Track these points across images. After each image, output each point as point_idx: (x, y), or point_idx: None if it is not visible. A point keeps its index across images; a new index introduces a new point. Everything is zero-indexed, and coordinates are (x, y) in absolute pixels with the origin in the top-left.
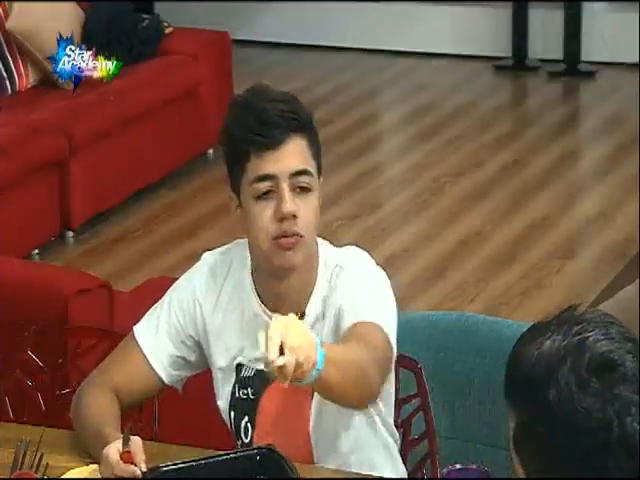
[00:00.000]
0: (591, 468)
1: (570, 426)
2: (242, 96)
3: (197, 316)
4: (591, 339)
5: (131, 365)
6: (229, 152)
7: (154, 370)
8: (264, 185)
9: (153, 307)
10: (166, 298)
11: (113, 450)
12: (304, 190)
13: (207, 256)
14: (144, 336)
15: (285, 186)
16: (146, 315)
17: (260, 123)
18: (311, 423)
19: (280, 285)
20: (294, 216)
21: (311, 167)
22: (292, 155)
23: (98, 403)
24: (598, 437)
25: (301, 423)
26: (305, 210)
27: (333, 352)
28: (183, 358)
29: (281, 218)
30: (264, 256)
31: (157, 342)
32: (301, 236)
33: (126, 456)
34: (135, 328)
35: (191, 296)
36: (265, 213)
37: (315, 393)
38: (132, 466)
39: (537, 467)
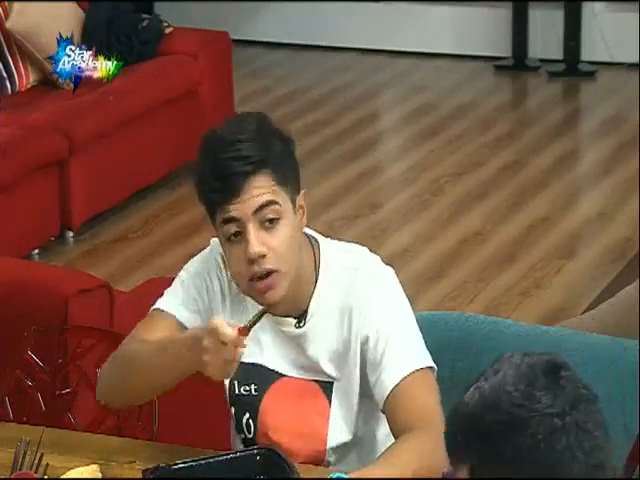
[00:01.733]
0: (548, 458)
1: (524, 425)
2: (206, 140)
3: (206, 299)
4: (525, 360)
5: (160, 328)
6: (200, 202)
7: (184, 326)
8: (231, 227)
9: (173, 283)
10: (182, 277)
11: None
12: (273, 221)
13: (216, 244)
14: (168, 303)
15: (250, 226)
16: (167, 290)
17: (216, 179)
18: (329, 430)
19: None
20: (262, 255)
21: (277, 196)
22: (253, 194)
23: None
24: (552, 424)
25: (315, 427)
26: (276, 243)
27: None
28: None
29: (249, 260)
30: (245, 293)
31: (182, 306)
32: (275, 271)
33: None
34: (156, 304)
35: (204, 279)
36: (237, 256)
37: (333, 400)
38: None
39: None
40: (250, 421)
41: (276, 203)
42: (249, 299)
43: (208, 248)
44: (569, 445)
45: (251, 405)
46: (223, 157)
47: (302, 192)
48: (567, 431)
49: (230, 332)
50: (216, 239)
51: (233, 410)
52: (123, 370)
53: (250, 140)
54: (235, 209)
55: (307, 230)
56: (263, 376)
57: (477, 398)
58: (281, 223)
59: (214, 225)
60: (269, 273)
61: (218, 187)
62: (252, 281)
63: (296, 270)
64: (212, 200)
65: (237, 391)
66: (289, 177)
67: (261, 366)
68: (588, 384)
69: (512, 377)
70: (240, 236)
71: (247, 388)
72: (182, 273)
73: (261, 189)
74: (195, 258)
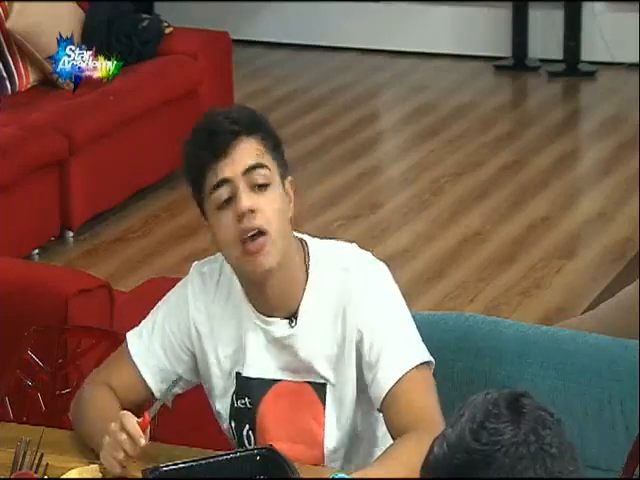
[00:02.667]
0: None
1: (492, 459)
2: (201, 116)
3: (191, 327)
4: (477, 401)
5: (125, 374)
6: (187, 172)
7: (145, 382)
8: (222, 192)
9: (146, 318)
10: (159, 310)
11: (129, 415)
12: (262, 187)
13: (197, 266)
14: (136, 347)
15: (241, 186)
16: (140, 325)
17: (207, 135)
18: (325, 434)
19: (265, 290)
20: (252, 211)
21: (266, 161)
22: (243, 154)
23: (101, 398)
24: (518, 453)
25: (311, 432)
26: (265, 204)
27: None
28: (175, 373)
29: (240, 216)
30: (237, 266)
31: (150, 354)
32: (265, 232)
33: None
34: (128, 337)
35: (184, 307)
36: (227, 219)
37: (327, 402)
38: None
39: None
40: (250, 433)
41: (266, 167)
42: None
43: (187, 277)
44: (537, 472)
45: (249, 417)
46: (216, 119)
47: (290, 178)
48: (533, 458)
49: (132, 424)
50: (196, 263)
51: (233, 424)
52: (76, 418)
53: (243, 114)
54: (226, 167)
55: (295, 232)
56: (256, 386)
57: (445, 444)
58: (270, 189)
59: (202, 204)
60: (260, 234)
61: (208, 144)
62: (243, 244)
63: (286, 270)
64: (202, 160)
65: (236, 405)
66: (278, 153)
67: (253, 378)
68: (550, 409)
69: (476, 415)
70: (230, 202)
71: (243, 401)
72: (159, 315)
73: (251, 150)
74: (174, 293)
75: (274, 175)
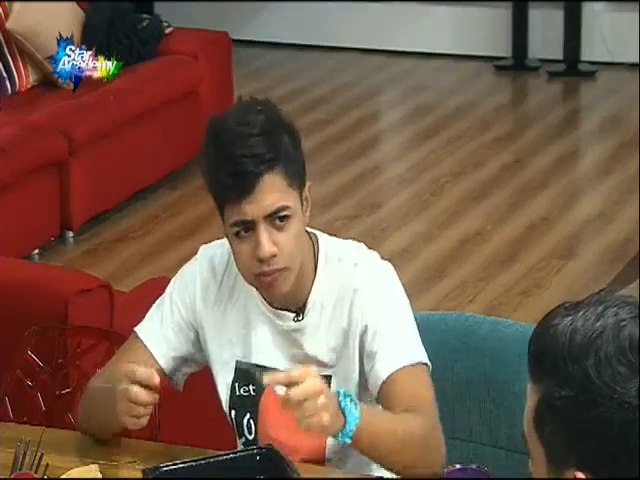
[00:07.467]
0: (620, 443)
1: (605, 398)
2: (215, 131)
3: (197, 308)
4: (629, 324)
5: (134, 359)
6: (209, 192)
7: (157, 363)
8: (242, 227)
9: (155, 304)
10: (167, 294)
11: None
12: (283, 219)
13: (205, 249)
14: (146, 331)
15: (262, 227)
16: (148, 313)
17: (230, 175)
18: None
19: None
20: (274, 255)
21: (288, 198)
22: (267, 195)
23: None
24: (631, 413)
25: None
26: (285, 240)
27: (372, 427)
28: (186, 353)
29: (259, 260)
30: (250, 284)
31: (160, 336)
32: (283, 268)
33: None
34: (137, 327)
35: (192, 289)
36: (245, 252)
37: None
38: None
39: (561, 441)
40: (251, 421)
41: (288, 208)
42: (241, 294)
43: (195, 257)
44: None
45: (251, 405)
46: (235, 154)
47: (308, 184)
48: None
49: (140, 371)
50: (204, 246)
51: (233, 413)
52: (84, 407)
53: (260, 134)
54: (248, 208)
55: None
56: (261, 375)
57: (572, 337)
58: (291, 222)
59: (222, 217)
60: (278, 270)
61: (231, 184)
62: (259, 276)
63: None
64: (224, 196)
65: (237, 393)
66: (298, 173)
67: (257, 365)
68: None
69: (607, 343)
70: (249, 232)
71: (246, 389)
72: (166, 298)
73: (273, 191)
74: (179, 275)
75: (295, 206)
